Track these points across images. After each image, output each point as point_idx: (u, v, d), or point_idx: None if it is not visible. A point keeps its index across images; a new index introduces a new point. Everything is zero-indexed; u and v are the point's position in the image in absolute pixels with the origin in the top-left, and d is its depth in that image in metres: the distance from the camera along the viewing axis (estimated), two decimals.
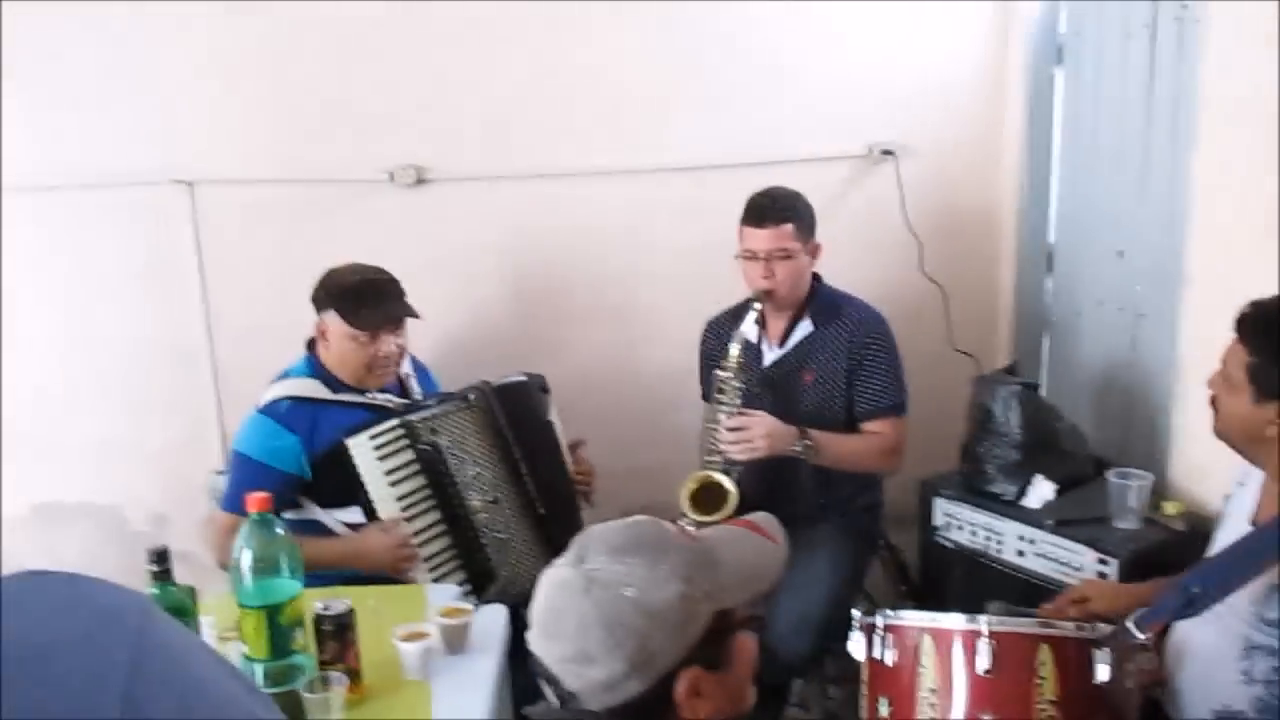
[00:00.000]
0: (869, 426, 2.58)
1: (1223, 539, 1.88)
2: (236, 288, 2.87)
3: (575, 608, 1.12)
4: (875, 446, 2.57)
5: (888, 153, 3.05)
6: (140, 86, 2.75)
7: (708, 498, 2.43)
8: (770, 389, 2.58)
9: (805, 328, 2.59)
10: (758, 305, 2.50)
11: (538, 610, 1.17)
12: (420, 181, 2.84)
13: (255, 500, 1.64)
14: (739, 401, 2.45)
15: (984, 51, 3.09)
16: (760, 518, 1.33)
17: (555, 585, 1.16)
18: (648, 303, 3.03)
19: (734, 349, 2.47)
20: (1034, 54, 3.03)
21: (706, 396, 2.76)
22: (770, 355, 2.62)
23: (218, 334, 2.90)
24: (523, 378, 2.53)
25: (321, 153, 2.81)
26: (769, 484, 2.47)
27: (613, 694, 1.12)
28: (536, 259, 2.98)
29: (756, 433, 2.39)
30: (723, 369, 2.47)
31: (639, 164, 2.93)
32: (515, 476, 2.42)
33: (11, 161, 2.72)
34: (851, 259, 3.01)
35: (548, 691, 1.17)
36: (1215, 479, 2.32)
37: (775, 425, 2.41)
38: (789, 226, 2.48)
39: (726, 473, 2.42)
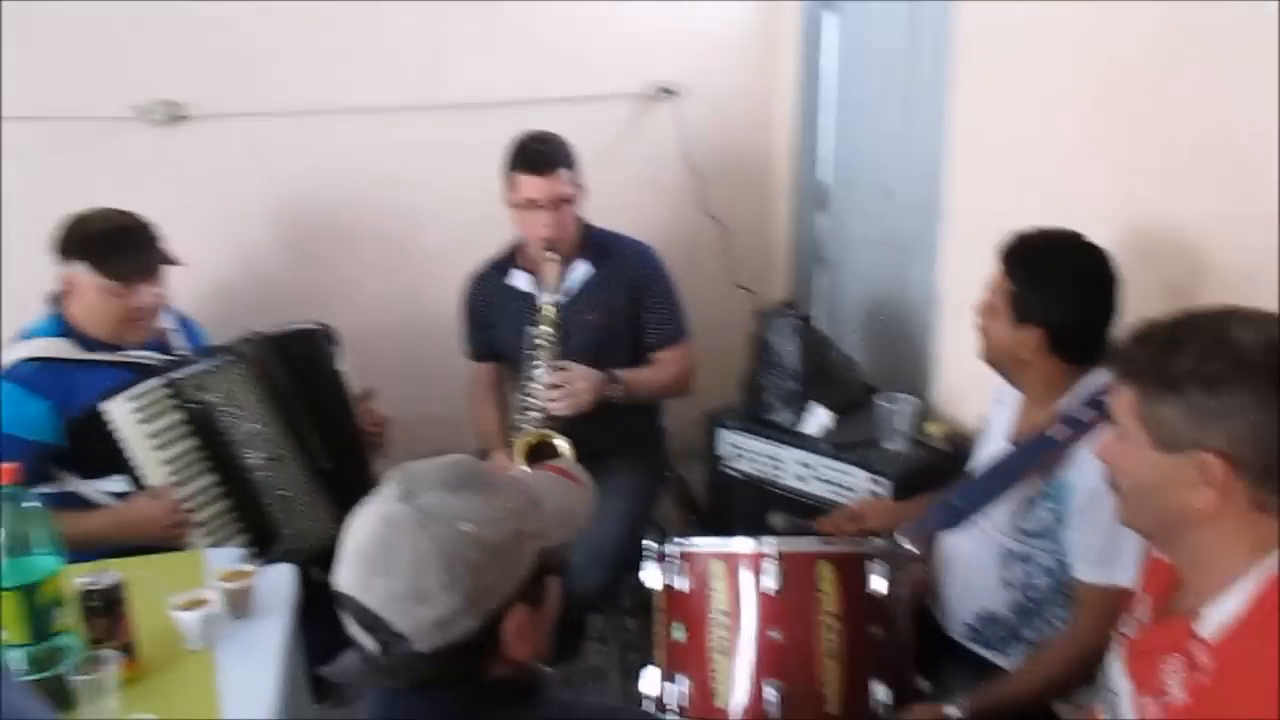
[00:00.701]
0: (661, 355, 2.64)
1: (982, 455, 2.03)
2: None
3: (410, 543, 1.09)
4: (672, 373, 2.65)
5: (667, 91, 3.07)
6: None
7: (540, 458, 2.42)
8: (561, 337, 2.54)
9: (583, 269, 2.59)
10: (552, 255, 2.46)
11: (361, 548, 1.12)
12: (175, 119, 2.63)
13: (4, 472, 1.50)
14: (556, 354, 2.43)
15: None
16: (564, 463, 1.37)
17: (384, 521, 1.11)
18: (432, 245, 2.94)
19: (547, 303, 2.44)
20: None
21: (477, 353, 2.74)
22: (550, 301, 2.58)
23: None
24: (311, 326, 2.42)
25: (59, 88, 2.54)
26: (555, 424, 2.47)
27: (444, 632, 1.10)
28: (310, 202, 2.82)
29: (579, 386, 2.39)
30: (536, 324, 2.43)
31: (415, 101, 2.82)
32: (298, 431, 2.32)
33: None
34: (633, 198, 3.05)
35: (363, 639, 1.13)
36: (973, 401, 2.51)
37: (591, 373, 2.42)
38: (565, 172, 2.46)
39: (552, 429, 2.42)
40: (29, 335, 2.20)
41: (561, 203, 2.46)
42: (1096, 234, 1.84)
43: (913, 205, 2.83)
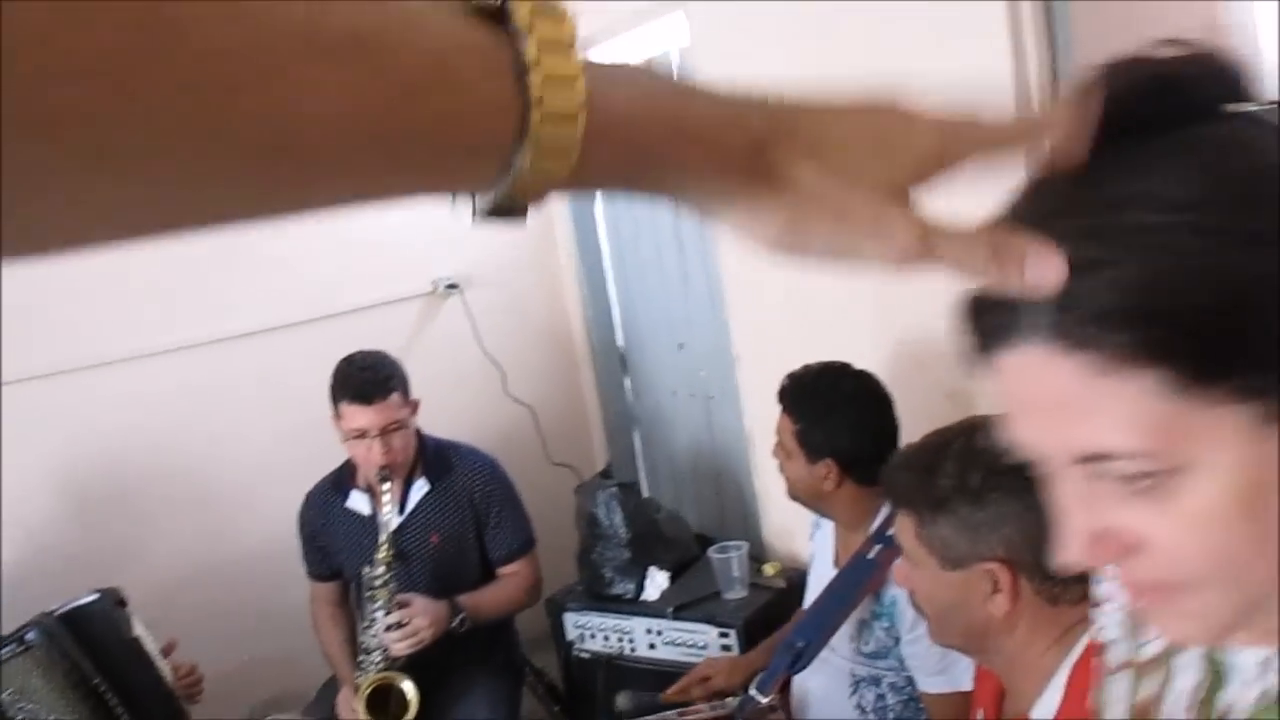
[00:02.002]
0: (506, 570, 2.57)
1: (811, 582, 2.07)
2: None
3: None
4: (518, 587, 2.57)
5: (452, 286, 3.11)
6: None
7: (381, 701, 2.29)
8: (401, 559, 2.46)
9: (421, 487, 2.51)
10: (388, 485, 2.38)
11: None
12: None
13: None
14: (394, 592, 2.34)
15: None
16: None
17: None
18: (233, 482, 2.83)
19: (382, 542, 2.35)
20: None
21: (315, 574, 2.62)
22: (392, 523, 2.48)
23: None
24: (93, 596, 2.24)
25: None
26: None
27: None
28: (92, 462, 2.68)
29: (419, 624, 2.29)
30: (372, 567, 2.34)
31: (194, 338, 2.76)
32: (104, 711, 2.12)
33: None
34: (437, 395, 3.01)
35: None
36: (802, 535, 2.55)
37: (432, 608, 2.33)
38: (395, 395, 2.38)
39: (395, 669, 2.30)
40: None
41: (393, 429, 2.37)
42: (873, 356, 1.95)
43: (706, 354, 2.93)
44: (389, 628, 2.30)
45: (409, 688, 2.30)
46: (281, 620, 2.74)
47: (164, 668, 2.29)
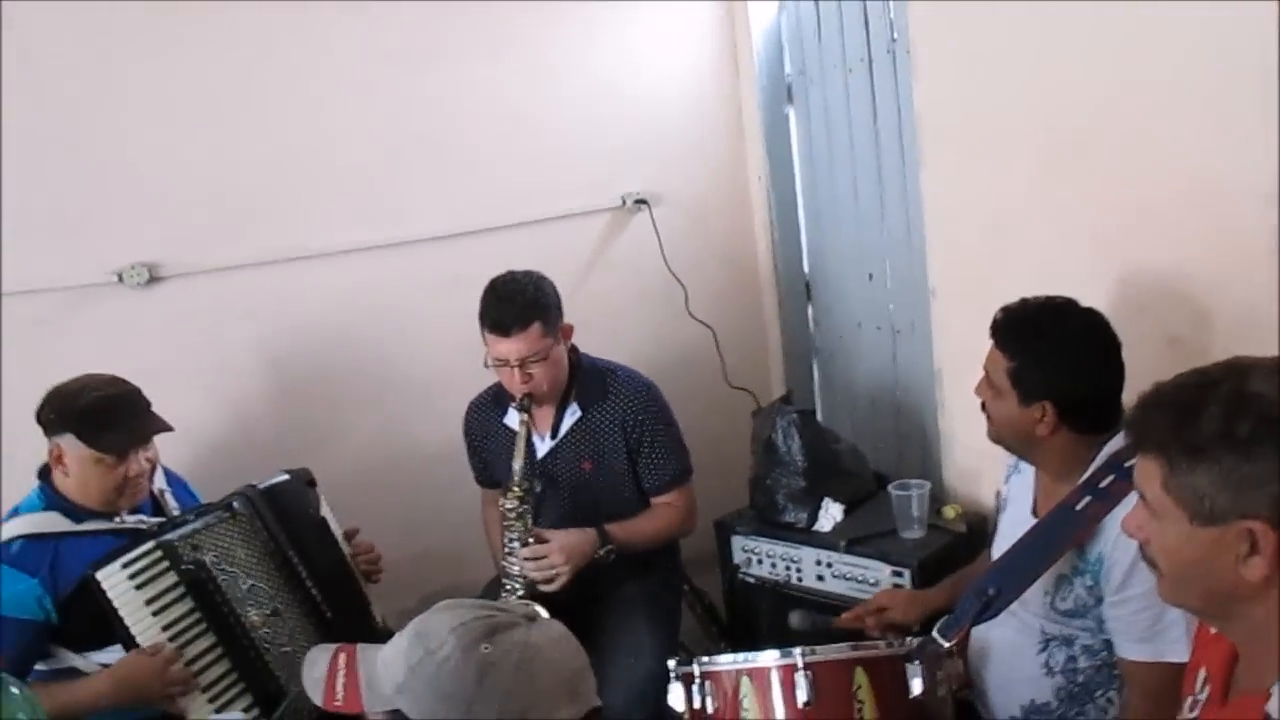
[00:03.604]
0: (659, 499, 2.53)
1: (1004, 527, 1.96)
2: None
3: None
4: (670, 518, 2.53)
5: (641, 202, 3.09)
6: None
7: None
8: (552, 484, 2.48)
9: (574, 413, 2.48)
10: (524, 417, 2.37)
11: None
12: (153, 280, 2.63)
13: None
14: (531, 524, 2.35)
15: (718, 96, 3.19)
16: None
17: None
18: (416, 381, 2.91)
19: (516, 469, 2.34)
20: (765, 95, 3.16)
21: (481, 480, 2.68)
22: (543, 447, 2.50)
23: None
24: (286, 475, 2.35)
25: (35, 261, 2.54)
26: None
27: None
28: (292, 350, 2.80)
29: (557, 560, 2.29)
30: (507, 498, 2.35)
31: (390, 238, 2.83)
32: (295, 582, 2.24)
33: None
34: (620, 309, 3.03)
35: None
36: (987, 478, 2.45)
37: (573, 542, 2.33)
38: (536, 326, 2.31)
39: (534, 597, 2.29)
40: (15, 512, 2.14)
41: (533, 360, 2.34)
42: (1087, 295, 1.81)
43: (898, 286, 2.82)
44: (525, 560, 2.31)
45: (543, 612, 2.29)
46: (455, 516, 2.82)
47: (346, 548, 2.40)
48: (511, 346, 2.32)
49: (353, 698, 1.17)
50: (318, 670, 1.21)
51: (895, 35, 2.63)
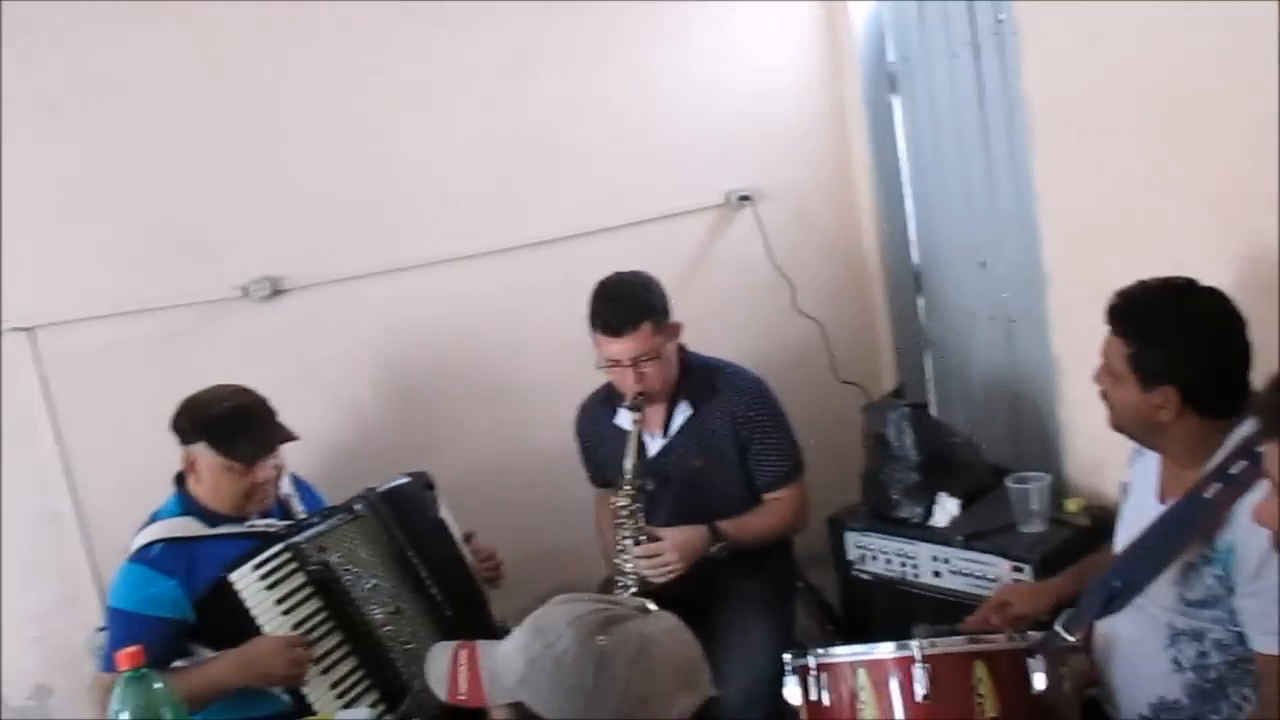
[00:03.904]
0: (770, 496, 2.52)
1: (1128, 515, 1.89)
2: (94, 432, 2.69)
3: None
4: (782, 514, 2.51)
5: (745, 198, 3.08)
6: None
7: None
8: (664, 482, 2.49)
9: (684, 410, 2.50)
10: (636, 416, 2.39)
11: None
12: (276, 293, 2.74)
13: (126, 656, 1.51)
14: (643, 522, 2.36)
15: (820, 89, 3.16)
16: None
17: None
18: (529, 383, 2.96)
19: (628, 468, 2.37)
20: (868, 85, 3.11)
21: (594, 480, 2.70)
22: (654, 445, 2.51)
23: (81, 484, 2.70)
24: (406, 478, 2.42)
25: (168, 279, 2.67)
26: None
27: None
28: (409, 355, 2.88)
29: (670, 557, 2.30)
30: (618, 495, 2.38)
31: (500, 244, 2.89)
32: (416, 582, 2.30)
33: None
34: (726, 307, 3.03)
35: None
36: (1111, 469, 2.36)
37: (685, 539, 2.34)
38: (646, 326, 2.34)
39: (647, 594, 2.29)
40: (155, 517, 2.26)
41: (645, 359, 2.37)
42: (1211, 276, 1.74)
43: (1011, 273, 2.75)
44: (637, 557, 2.32)
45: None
46: (569, 516, 2.86)
47: (465, 551, 2.45)
48: (623, 347, 2.35)
49: (475, 691, 1.20)
50: (439, 666, 1.24)
51: (1001, 16, 2.56)
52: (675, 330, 2.46)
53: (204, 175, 2.67)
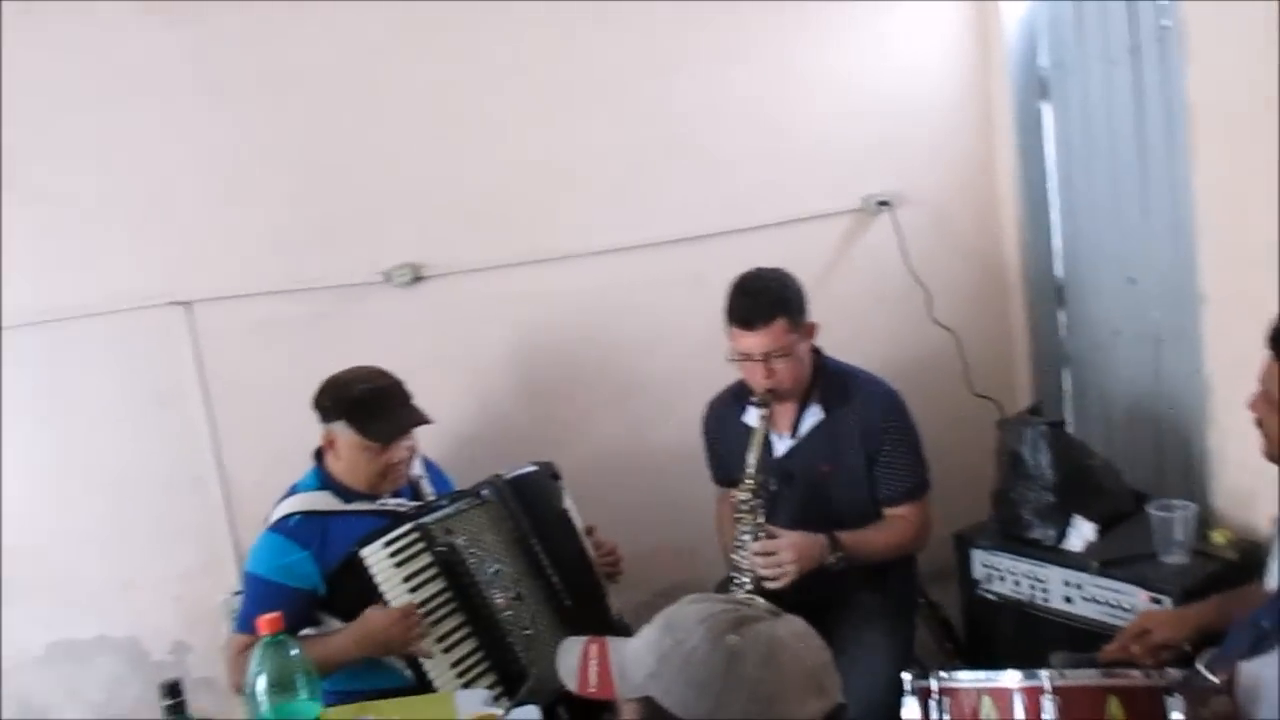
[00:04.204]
0: (893, 511, 2.47)
1: None
2: (240, 404, 2.82)
3: None
4: (903, 532, 2.46)
5: (883, 203, 3.02)
6: (133, 210, 2.72)
7: None
8: (788, 484, 2.46)
9: (815, 414, 2.47)
10: (764, 412, 2.37)
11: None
12: (417, 279, 2.82)
13: (267, 621, 1.58)
14: (762, 519, 2.34)
15: (966, 93, 3.08)
16: None
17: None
18: (657, 380, 2.98)
19: (751, 463, 2.35)
20: (1017, 90, 3.02)
21: (717, 479, 2.69)
22: (781, 446, 2.49)
23: (226, 453, 2.84)
24: (533, 467, 2.46)
25: (315, 261, 2.78)
26: None
27: None
28: (541, 346, 2.93)
29: (786, 557, 2.27)
30: (740, 490, 2.36)
31: (635, 240, 2.91)
32: (537, 569, 2.34)
33: (11, 297, 2.69)
34: (859, 313, 2.99)
35: None
36: (1262, 501, 2.24)
37: (804, 544, 2.30)
38: (781, 321, 2.32)
39: (760, 593, 2.27)
40: (294, 489, 2.35)
41: (776, 356, 2.35)
42: None
43: (1162, 291, 2.63)
44: (754, 555, 2.30)
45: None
46: (689, 515, 2.86)
47: (587, 543, 2.48)
48: (756, 341, 2.33)
49: (605, 684, 1.22)
50: (570, 659, 1.27)
51: (1165, 21, 2.45)
52: (810, 330, 2.43)
53: (356, 163, 2.77)
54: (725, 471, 2.64)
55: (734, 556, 2.36)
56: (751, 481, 2.34)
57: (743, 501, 2.35)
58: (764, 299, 2.34)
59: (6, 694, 2.86)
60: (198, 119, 2.70)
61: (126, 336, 2.77)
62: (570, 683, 1.25)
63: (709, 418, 2.66)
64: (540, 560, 2.35)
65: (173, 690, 1.60)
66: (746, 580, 2.32)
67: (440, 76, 2.79)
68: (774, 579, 2.27)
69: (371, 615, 2.13)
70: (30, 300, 2.70)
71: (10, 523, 2.74)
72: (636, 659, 1.19)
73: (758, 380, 2.37)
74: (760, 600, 1.26)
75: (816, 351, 2.49)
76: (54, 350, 2.74)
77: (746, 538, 2.33)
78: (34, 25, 2.60)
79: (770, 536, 2.31)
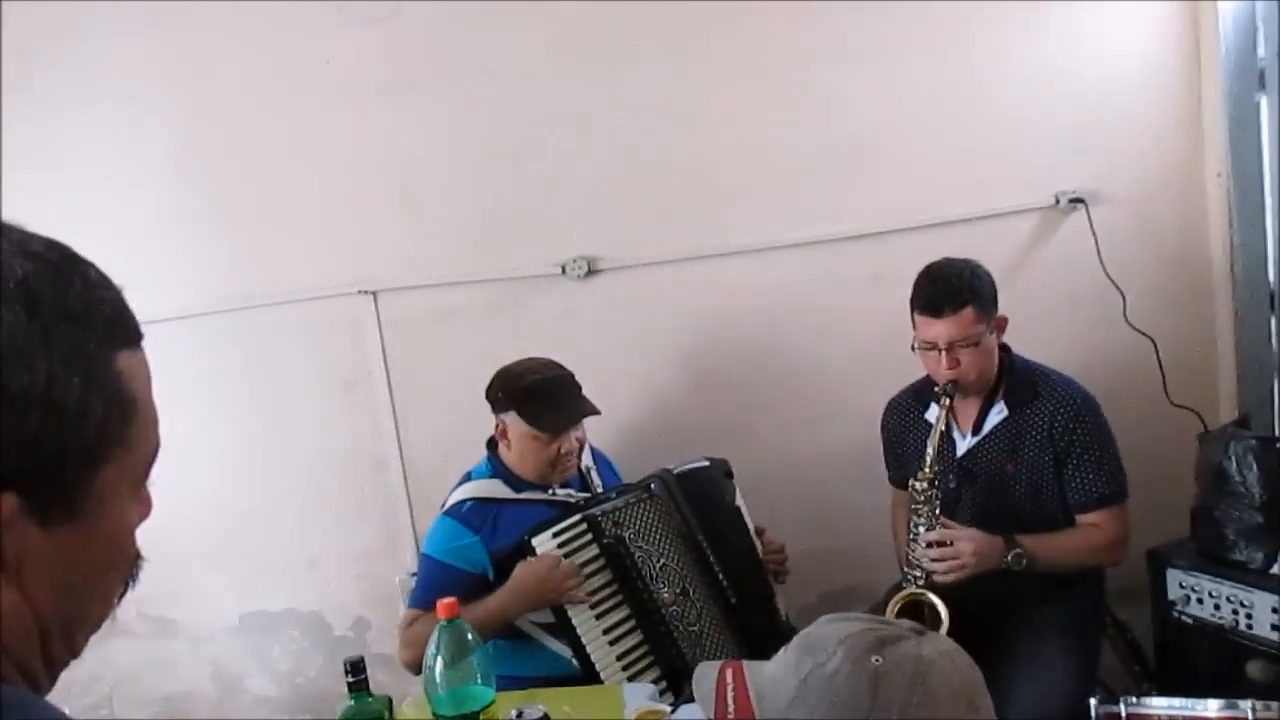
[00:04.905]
0: (1085, 519, 2.33)
1: None
2: (420, 391, 2.92)
3: None
4: (1094, 542, 2.32)
5: (1077, 200, 2.86)
6: (324, 202, 2.86)
7: (913, 617, 2.26)
8: (969, 482, 2.37)
9: (999, 412, 2.36)
10: (946, 400, 2.28)
11: None
12: (592, 272, 2.85)
13: (445, 606, 1.62)
14: (939, 510, 2.26)
15: (1173, 85, 2.88)
16: None
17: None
18: (831, 379, 2.91)
19: (930, 453, 2.26)
20: (1232, 81, 2.80)
21: (894, 480, 2.61)
22: (963, 444, 2.40)
23: (407, 438, 2.95)
24: (704, 463, 2.45)
25: (493, 253, 2.85)
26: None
27: None
28: (713, 341, 2.92)
29: (965, 549, 2.18)
30: (918, 479, 2.28)
31: (814, 236, 2.85)
32: (703, 565, 2.33)
33: (207, 285, 2.87)
34: (1047, 313, 2.84)
35: None
36: None
37: (982, 541, 2.20)
38: (969, 310, 2.24)
39: (932, 588, 2.21)
40: (468, 476, 2.41)
41: (963, 344, 2.26)
42: None
43: None
44: (929, 545, 2.21)
45: (942, 611, 2.16)
46: (861, 517, 2.79)
47: (757, 542, 2.45)
48: (942, 329, 2.26)
49: (744, 710, 1.18)
50: (705, 684, 1.24)
51: None
52: (1000, 324, 2.34)
53: (536, 157, 2.82)
54: (903, 471, 2.55)
55: (907, 550, 2.29)
56: (929, 471, 2.26)
57: (920, 492, 2.27)
58: (953, 286, 2.26)
59: (205, 661, 3.06)
60: (386, 115, 2.81)
61: (317, 323, 2.91)
62: (707, 709, 1.22)
63: (889, 415, 2.58)
64: (707, 556, 2.33)
65: (356, 668, 1.67)
66: (919, 574, 2.25)
67: (624, 71, 2.80)
68: (946, 573, 2.18)
69: (523, 568, 2.17)
70: (227, 287, 2.87)
71: (213, 499, 2.91)
72: (775, 683, 1.15)
73: (941, 371, 2.29)
74: (902, 620, 1.20)
75: (1005, 349, 2.39)
76: (247, 335, 2.91)
77: (922, 529, 2.26)
78: (232, 25, 2.76)
79: (946, 528, 2.23)
